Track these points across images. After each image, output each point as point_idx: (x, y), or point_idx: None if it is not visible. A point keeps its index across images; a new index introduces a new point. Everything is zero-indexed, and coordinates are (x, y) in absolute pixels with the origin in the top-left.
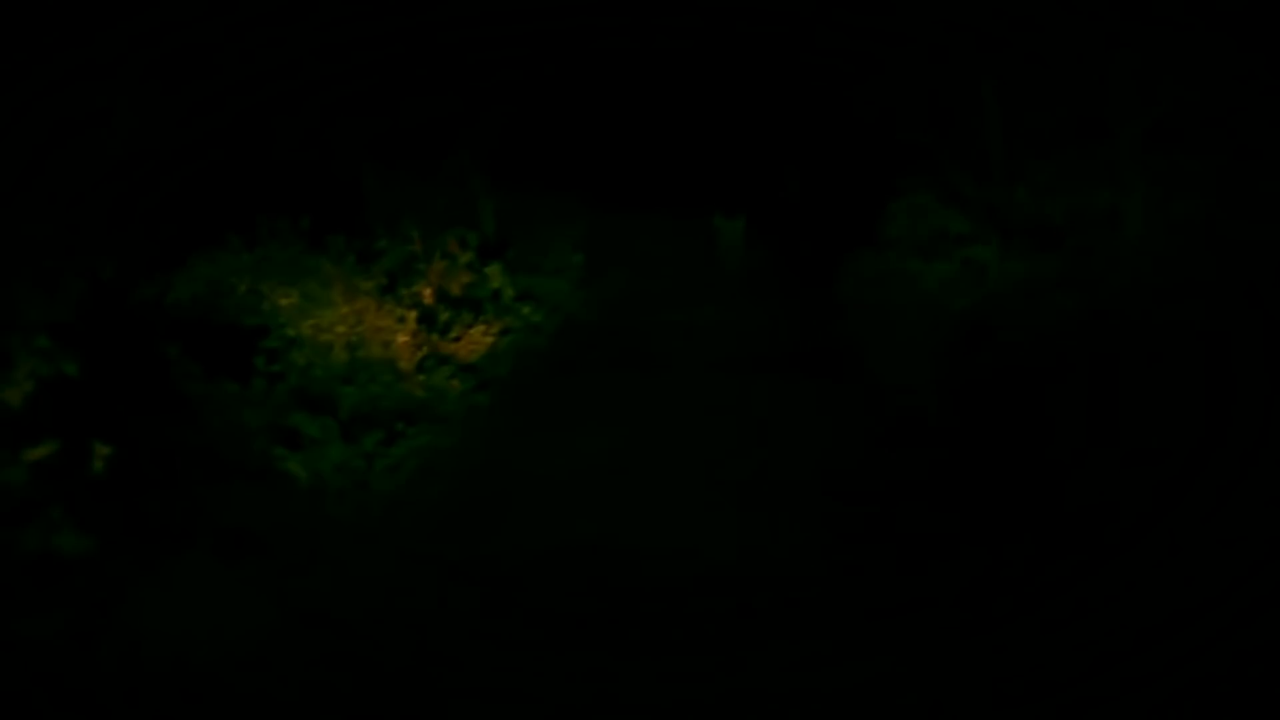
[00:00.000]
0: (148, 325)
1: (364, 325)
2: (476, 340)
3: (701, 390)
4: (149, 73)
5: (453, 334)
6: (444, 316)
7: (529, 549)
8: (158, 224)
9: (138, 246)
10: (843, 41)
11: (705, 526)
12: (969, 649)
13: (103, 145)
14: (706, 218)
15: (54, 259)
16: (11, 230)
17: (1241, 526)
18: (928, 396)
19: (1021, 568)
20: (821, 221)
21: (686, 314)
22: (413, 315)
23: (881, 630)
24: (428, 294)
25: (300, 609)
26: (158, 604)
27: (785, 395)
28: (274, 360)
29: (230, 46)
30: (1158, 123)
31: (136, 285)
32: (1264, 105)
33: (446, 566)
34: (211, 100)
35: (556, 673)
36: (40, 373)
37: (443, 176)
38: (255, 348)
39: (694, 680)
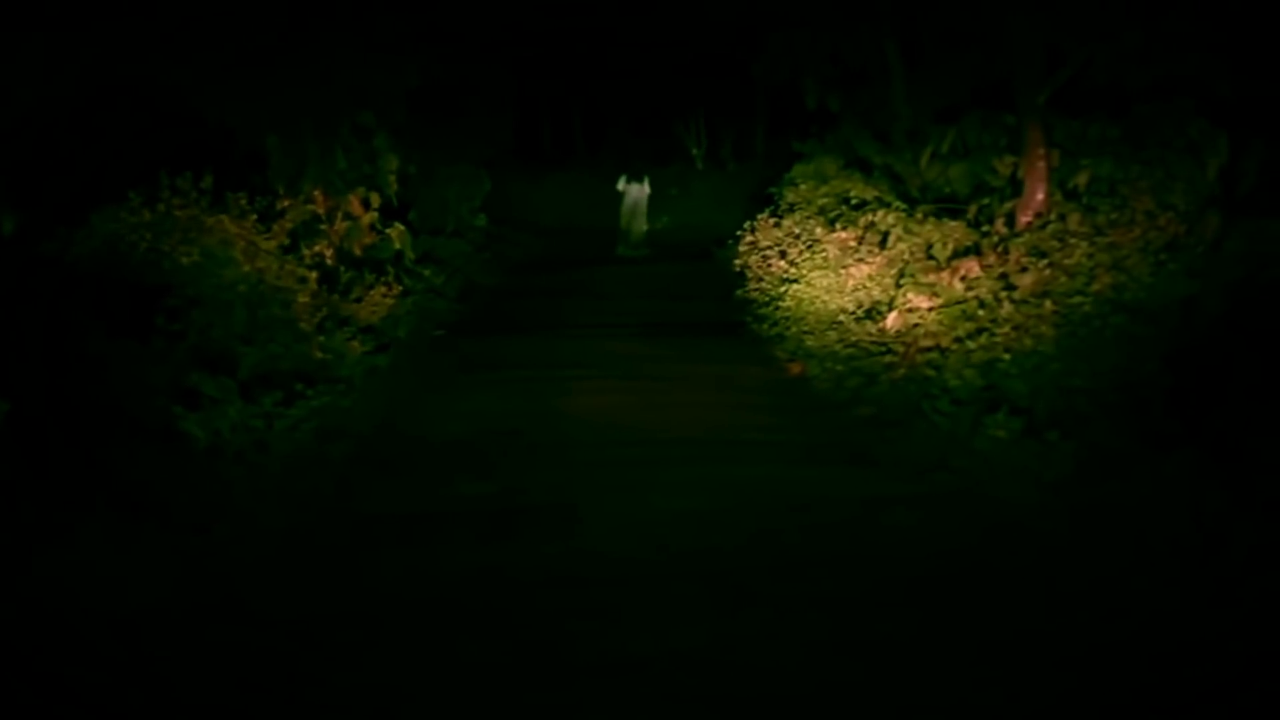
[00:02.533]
0: (47, 282)
1: (264, 285)
2: (377, 302)
3: (595, 352)
4: (51, 24)
5: (354, 295)
6: (345, 277)
7: (426, 509)
8: (59, 181)
9: (38, 203)
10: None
11: (583, 489)
12: None
13: (7, 98)
14: (612, 180)
15: None
16: None
17: None
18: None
19: None
20: (728, 184)
21: (586, 277)
22: (314, 276)
23: None
24: (329, 255)
25: (200, 566)
26: (56, 559)
27: (675, 353)
28: (174, 319)
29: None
30: (1061, 89)
31: (36, 242)
32: (1171, 70)
33: (344, 525)
34: (112, 55)
35: (457, 633)
36: None
37: (346, 136)
38: (156, 306)
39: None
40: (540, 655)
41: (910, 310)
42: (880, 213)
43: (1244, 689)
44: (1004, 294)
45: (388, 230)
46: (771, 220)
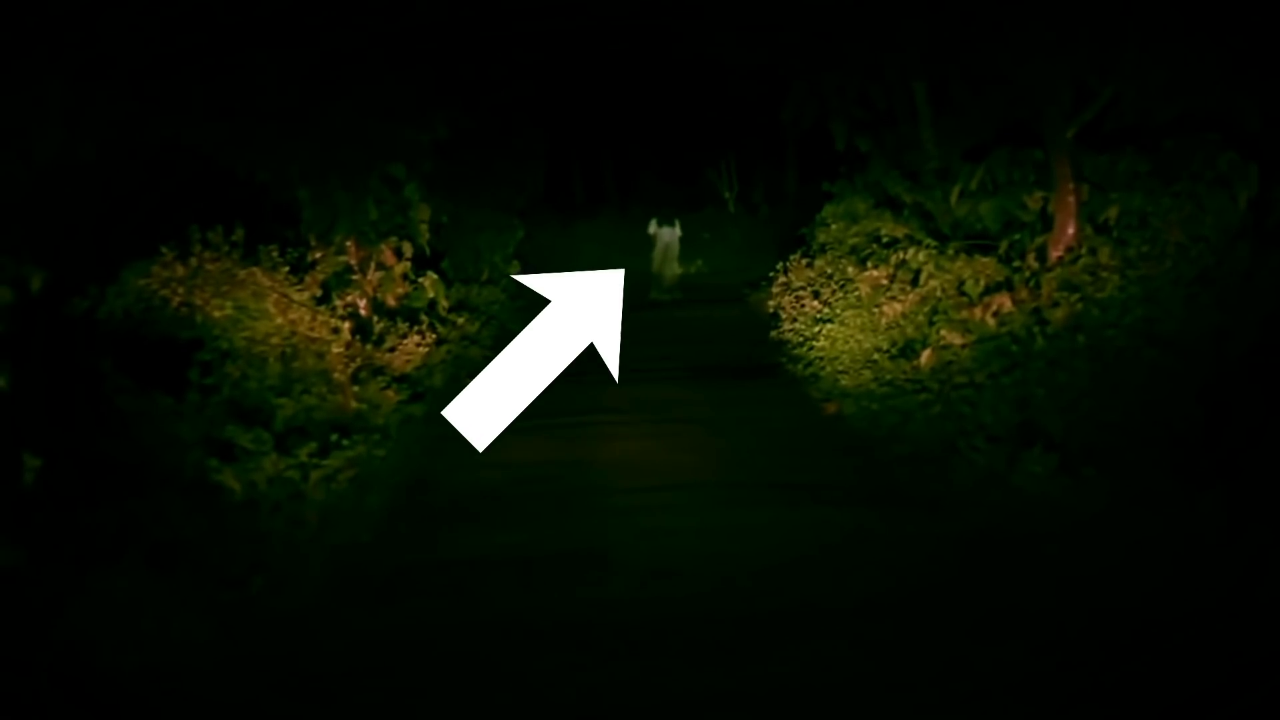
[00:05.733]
0: (79, 338)
1: (298, 337)
2: (411, 351)
3: (629, 397)
4: (77, 78)
5: (387, 345)
6: (379, 327)
7: (461, 557)
8: (88, 235)
9: (68, 258)
10: (775, 45)
11: (613, 537)
12: None
13: (29, 153)
14: (643, 225)
15: None
16: None
17: None
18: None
19: None
20: (760, 227)
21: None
22: (347, 326)
23: None
24: (362, 305)
25: (236, 619)
26: (90, 615)
27: (711, 396)
28: (207, 373)
29: (164, 53)
30: (1089, 124)
31: (67, 298)
32: (1196, 105)
33: (383, 575)
34: (140, 108)
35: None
36: None
37: (377, 187)
38: (189, 360)
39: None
40: (569, 702)
41: (944, 347)
42: (911, 250)
43: None
44: (1037, 329)
45: (421, 279)
46: (804, 261)
